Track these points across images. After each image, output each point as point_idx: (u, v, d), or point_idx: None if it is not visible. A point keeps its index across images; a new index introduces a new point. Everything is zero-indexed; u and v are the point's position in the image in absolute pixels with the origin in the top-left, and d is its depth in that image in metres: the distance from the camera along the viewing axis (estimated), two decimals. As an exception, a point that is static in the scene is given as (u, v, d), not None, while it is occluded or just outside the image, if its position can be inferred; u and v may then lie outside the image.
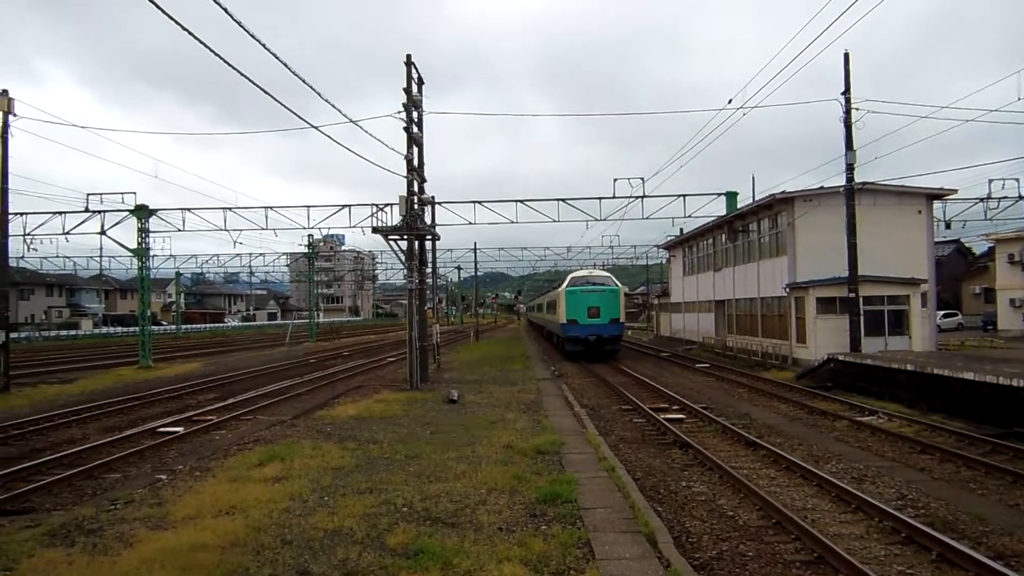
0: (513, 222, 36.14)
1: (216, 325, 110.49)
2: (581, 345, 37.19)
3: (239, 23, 11.47)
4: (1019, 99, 21.25)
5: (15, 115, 24.87)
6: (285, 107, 15.68)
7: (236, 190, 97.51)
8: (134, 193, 36.72)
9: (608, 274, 42.15)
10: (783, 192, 31.37)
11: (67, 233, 37.36)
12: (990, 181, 36.17)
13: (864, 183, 27.35)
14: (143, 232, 36.67)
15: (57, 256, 57.55)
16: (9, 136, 24.81)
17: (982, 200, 36.97)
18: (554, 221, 36.05)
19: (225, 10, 10.77)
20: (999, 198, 36.75)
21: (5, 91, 24.62)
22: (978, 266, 66.26)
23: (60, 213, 36.89)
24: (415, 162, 24.26)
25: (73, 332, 79.57)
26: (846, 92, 24.85)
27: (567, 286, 38.70)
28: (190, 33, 10.85)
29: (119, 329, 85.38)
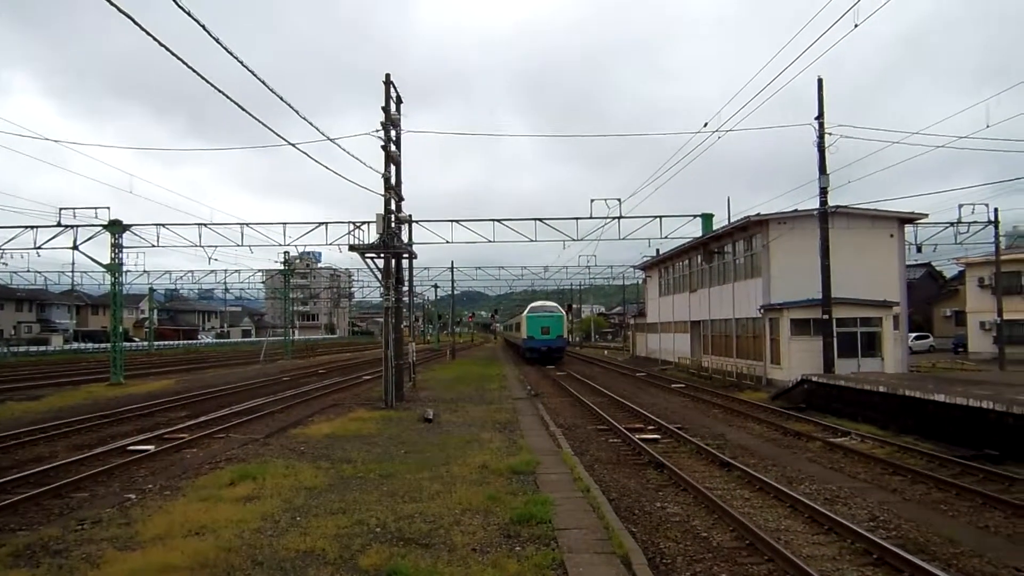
0: (490, 241, 36.17)
1: (190, 342, 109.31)
2: (537, 354, 52.20)
3: (217, 40, 11.44)
4: (987, 126, 21.73)
5: (-12, 128, 24.59)
6: (264, 125, 15.63)
7: (209, 205, 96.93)
8: (107, 208, 36.21)
9: (556, 304, 58.64)
10: (758, 214, 31.73)
11: (39, 248, 36.89)
12: (960, 206, 36.91)
13: (837, 206, 27.75)
14: (116, 247, 36.29)
15: (28, 271, 56.95)
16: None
17: (953, 224, 37.59)
18: (531, 240, 36.13)
19: (203, 27, 10.76)
20: (969, 223, 37.40)
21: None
22: (949, 289, 67.25)
23: (32, 227, 36.44)
24: (392, 180, 24.27)
25: (43, 348, 78.39)
26: (820, 117, 25.24)
27: (527, 313, 54.51)
28: (169, 51, 10.81)
29: (90, 345, 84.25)
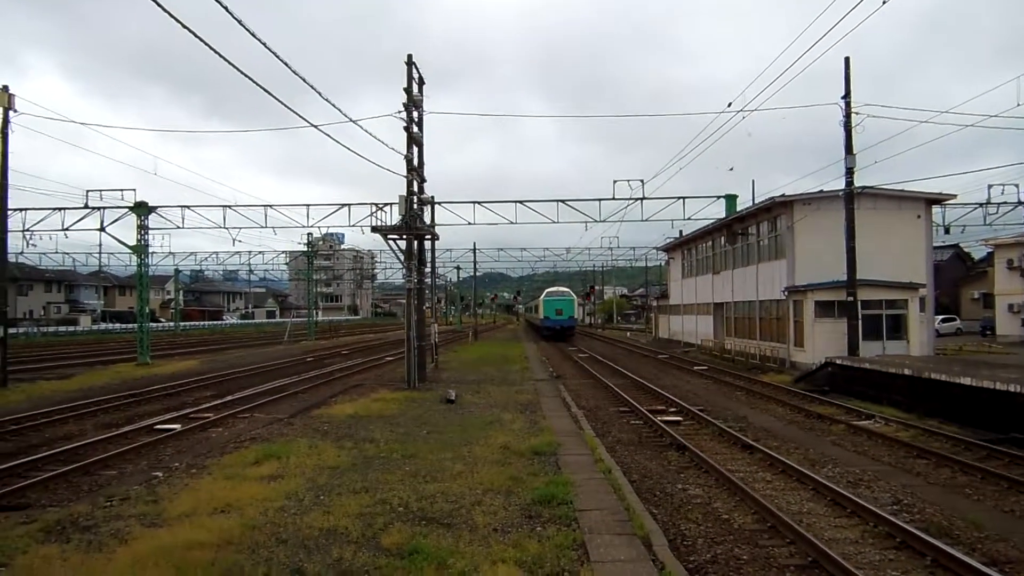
0: (512, 223, 36.14)
1: (215, 323, 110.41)
2: (551, 331, 60.66)
3: (239, 21, 11.44)
4: (1019, 104, 21.28)
5: (15, 111, 24.84)
6: (287, 107, 15.69)
7: (233, 187, 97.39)
8: (133, 190, 36.54)
9: (568, 289, 68.14)
10: (782, 195, 31.40)
11: (66, 229, 37.37)
12: (989, 186, 36.27)
13: (863, 187, 27.38)
14: (142, 229, 36.65)
15: (56, 252, 57.53)
16: (9, 132, 24.78)
17: (981, 205, 37.00)
18: (553, 222, 36.05)
19: (227, 9, 10.77)
20: (998, 203, 36.79)
21: (5, 87, 24.60)
22: (977, 271, 66.33)
23: (60, 209, 36.88)
24: (415, 162, 24.26)
25: (71, 328, 79.50)
26: (846, 96, 24.86)
27: (543, 297, 65.26)
28: (194, 35, 10.84)
29: (118, 326, 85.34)
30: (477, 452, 12.85)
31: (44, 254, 58.49)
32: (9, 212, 26.97)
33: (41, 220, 37.33)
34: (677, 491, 11.37)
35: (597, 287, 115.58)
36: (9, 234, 27.47)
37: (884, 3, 15.48)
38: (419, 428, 15.79)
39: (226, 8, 10.77)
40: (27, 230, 37.76)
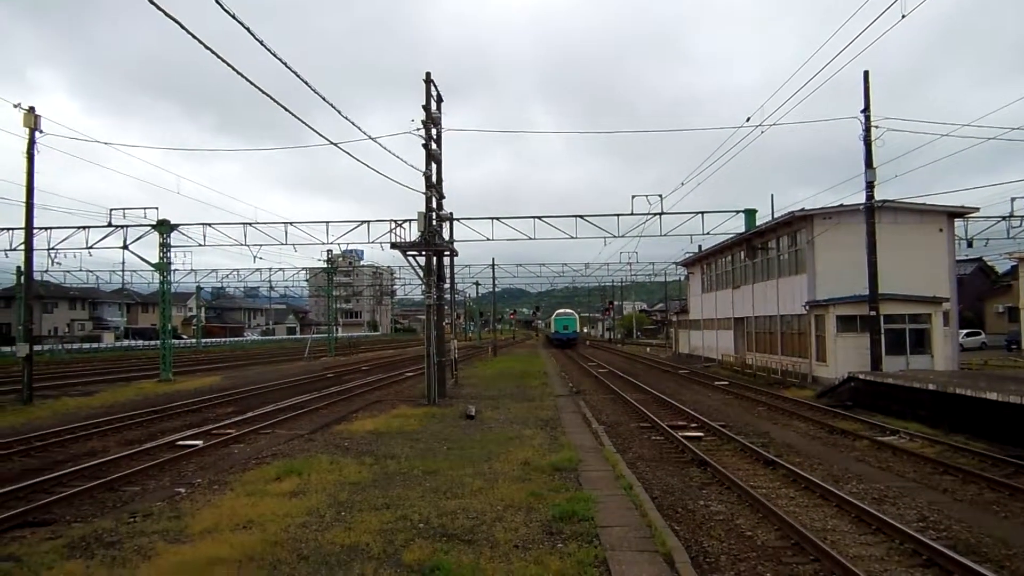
0: (531, 238, 36.21)
1: (236, 339, 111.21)
2: (560, 341, 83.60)
3: (262, 43, 11.62)
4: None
5: (41, 131, 25.25)
6: (306, 125, 15.85)
7: (248, 203, 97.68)
8: (156, 208, 36.98)
9: (572, 311, 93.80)
10: (802, 210, 31.23)
11: (90, 247, 37.89)
12: (1012, 199, 35.99)
13: (884, 201, 27.18)
14: (165, 247, 37.06)
15: (80, 270, 58.19)
16: (35, 152, 25.18)
17: (1004, 218, 36.71)
18: (572, 238, 36.11)
19: (248, 29, 10.93)
20: (1021, 216, 36.45)
21: (31, 108, 25.02)
22: (1001, 285, 65.55)
23: (84, 228, 37.42)
24: (433, 178, 24.38)
25: (95, 345, 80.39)
26: (866, 110, 24.74)
27: (554, 316, 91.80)
28: (216, 55, 11.00)
29: (140, 342, 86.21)
30: (498, 468, 12.84)
31: (68, 272, 59.21)
32: (35, 231, 27.34)
33: (66, 238, 37.97)
34: (699, 507, 11.29)
35: (616, 302, 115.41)
36: (35, 252, 27.87)
37: (903, 17, 15.44)
38: (439, 444, 15.80)
39: (248, 29, 10.94)
40: (52, 248, 38.38)
